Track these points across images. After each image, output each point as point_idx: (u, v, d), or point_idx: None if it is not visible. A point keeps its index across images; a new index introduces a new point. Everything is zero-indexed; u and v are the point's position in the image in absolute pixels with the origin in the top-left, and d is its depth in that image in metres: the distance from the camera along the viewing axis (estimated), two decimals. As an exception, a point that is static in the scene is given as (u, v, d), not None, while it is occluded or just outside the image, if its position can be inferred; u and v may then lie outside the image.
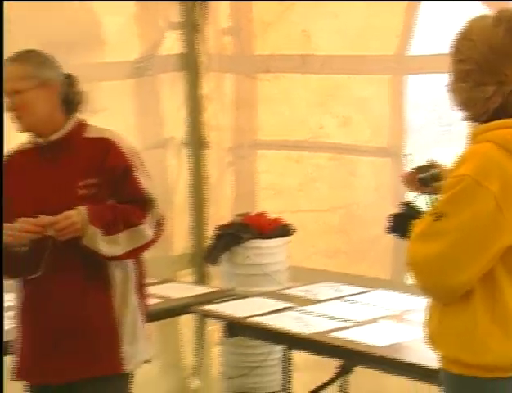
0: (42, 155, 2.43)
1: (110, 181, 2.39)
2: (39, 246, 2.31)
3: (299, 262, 3.85)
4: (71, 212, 2.29)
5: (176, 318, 3.81)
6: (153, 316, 3.28)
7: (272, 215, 3.84)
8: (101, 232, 2.31)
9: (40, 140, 2.41)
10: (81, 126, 2.45)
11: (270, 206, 3.94)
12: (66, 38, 3.52)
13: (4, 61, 2.41)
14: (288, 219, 3.80)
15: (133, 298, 2.46)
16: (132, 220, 2.36)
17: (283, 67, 3.94)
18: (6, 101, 2.36)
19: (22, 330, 2.46)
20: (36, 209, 2.33)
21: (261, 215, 3.86)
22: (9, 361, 2.56)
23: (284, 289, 3.53)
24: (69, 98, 2.43)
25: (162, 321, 3.58)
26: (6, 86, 2.35)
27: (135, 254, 2.43)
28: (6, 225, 2.33)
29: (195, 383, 4.16)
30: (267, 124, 4.07)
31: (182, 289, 3.60)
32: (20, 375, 2.48)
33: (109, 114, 3.67)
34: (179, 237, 4.14)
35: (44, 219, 2.28)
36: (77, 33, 3.59)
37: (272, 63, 3.98)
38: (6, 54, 2.47)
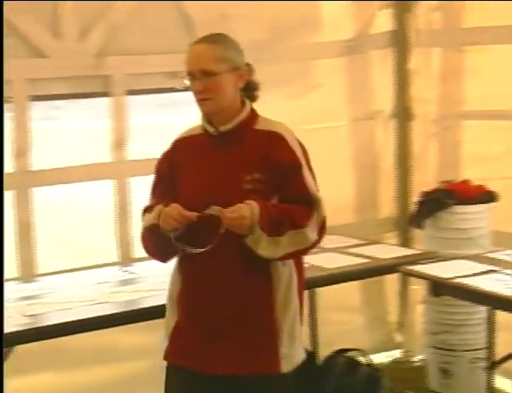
0: (211, 143, 2.34)
1: (277, 177, 2.25)
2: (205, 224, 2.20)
3: (503, 227, 3.88)
4: (243, 207, 2.17)
5: (382, 276, 4.02)
6: (361, 274, 3.56)
7: (476, 183, 3.91)
8: (266, 234, 2.18)
9: (212, 129, 2.33)
10: (253, 117, 2.35)
11: (474, 174, 3.98)
12: (288, 21, 3.86)
13: (194, 42, 2.32)
14: (492, 186, 3.84)
15: (295, 299, 2.34)
16: (297, 222, 2.22)
17: (491, 39, 3.96)
18: (193, 81, 2.26)
19: (180, 313, 2.37)
20: (201, 197, 2.25)
21: (465, 182, 3.93)
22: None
23: (487, 253, 3.57)
24: (249, 87, 2.35)
25: (369, 279, 3.88)
26: (200, 65, 2.24)
27: (293, 256, 2.30)
28: (159, 207, 2.27)
29: (398, 337, 4.43)
30: (473, 95, 4.12)
31: (388, 250, 3.74)
32: (173, 358, 2.38)
33: (324, 89, 4.01)
34: (385, 201, 4.36)
35: (215, 209, 2.18)
36: (297, 16, 3.88)
37: (481, 35, 4.01)
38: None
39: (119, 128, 3.66)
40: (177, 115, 5.95)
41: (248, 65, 2.34)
